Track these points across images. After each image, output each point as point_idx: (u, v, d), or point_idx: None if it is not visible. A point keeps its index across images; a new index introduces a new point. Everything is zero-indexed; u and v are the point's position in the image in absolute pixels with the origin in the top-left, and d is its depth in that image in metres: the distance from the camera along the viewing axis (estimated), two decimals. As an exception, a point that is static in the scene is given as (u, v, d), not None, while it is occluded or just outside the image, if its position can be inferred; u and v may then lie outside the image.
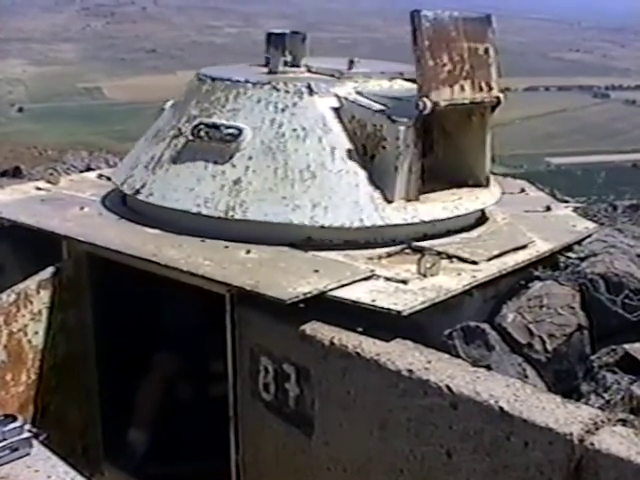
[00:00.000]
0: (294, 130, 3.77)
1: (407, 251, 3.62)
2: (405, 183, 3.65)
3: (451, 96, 3.66)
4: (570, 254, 3.83)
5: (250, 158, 3.76)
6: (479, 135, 3.96)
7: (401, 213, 3.64)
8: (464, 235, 3.84)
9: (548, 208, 4.48)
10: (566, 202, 5.10)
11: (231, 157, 3.78)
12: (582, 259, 3.77)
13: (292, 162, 3.71)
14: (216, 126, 3.85)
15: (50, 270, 3.81)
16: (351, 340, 2.93)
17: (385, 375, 2.80)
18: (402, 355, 2.83)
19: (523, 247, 3.74)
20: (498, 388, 2.61)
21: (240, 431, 3.48)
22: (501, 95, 3.86)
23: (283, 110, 3.82)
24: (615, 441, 2.35)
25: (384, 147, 3.66)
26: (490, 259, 3.55)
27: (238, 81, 3.99)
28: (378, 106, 3.73)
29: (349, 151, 3.74)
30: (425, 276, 3.30)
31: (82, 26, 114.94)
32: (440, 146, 4.03)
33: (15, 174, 6.29)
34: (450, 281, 3.29)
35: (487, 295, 3.50)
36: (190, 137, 3.89)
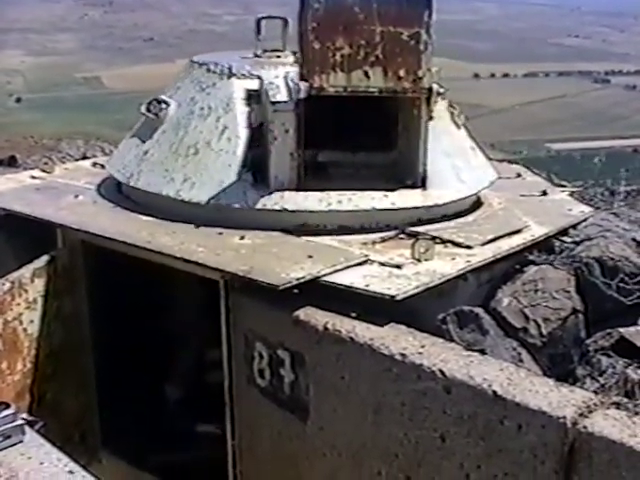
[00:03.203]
0: (202, 109, 3.90)
1: (402, 236, 3.60)
2: (283, 169, 3.57)
3: (347, 82, 3.46)
4: (565, 238, 3.82)
5: (164, 132, 3.96)
6: (415, 130, 3.69)
7: (264, 199, 3.59)
8: (459, 220, 3.82)
9: (544, 192, 4.47)
10: (563, 186, 5.09)
11: (155, 130, 3.99)
12: (577, 243, 3.75)
13: (187, 138, 3.85)
14: (158, 101, 4.04)
15: (45, 258, 3.80)
16: (345, 325, 2.92)
17: (379, 360, 2.79)
18: (396, 340, 2.82)
19: (518, 231, 3.72)
20: (491, 372, 2.60)
21: (236, 417, 3.49)
22: (435, 86, 3.56)
23: (203, 89, 3.96)
24: (608, 424, 2.34)
25: (268, 131, 3.60)
26: (485, 243, 3.53)
27: (194, 62, 4.15)
28: (280, 90, 3.58)
29: (238, 132, 3.75)
30: (419, 261, 3.29)
31: (80, 15, 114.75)
32: (403, 141, 3.82)
33: (10, 163, 6.29)
34: (444, 266, 3.28)
35: (482, 279, 3.49)
36: (143, 111, 4.08)
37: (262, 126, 3.69)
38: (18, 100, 77.70)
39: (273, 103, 3.50)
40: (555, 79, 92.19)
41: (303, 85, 3.41)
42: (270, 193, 3.58)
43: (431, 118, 3.62)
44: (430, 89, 3.55)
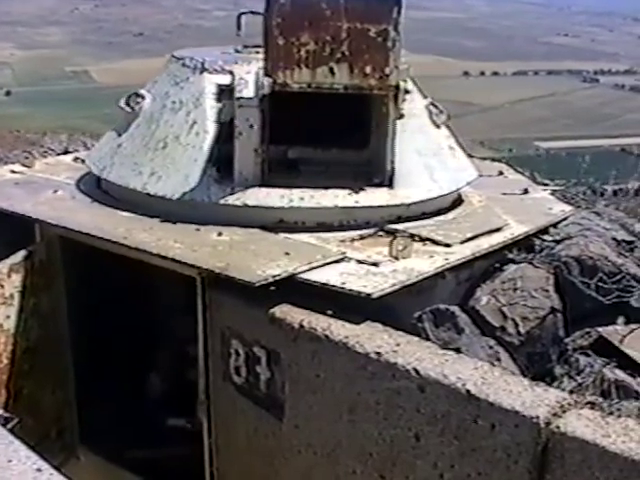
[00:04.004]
0: (174, 103, 3.89)
1: (380, 233, 3.59)
2: (247, 165, 3.56)
3: (312, 79, 3.43)
4: (545, 237, 3.81)
5: (138, 126, 3.96)
6: (383, 127, 3.65)
7: (226, 194, 3.58)
8: (438, 217, 3.81)
9: (525, 191, 4.46)
10: (545, 185, 5.09)
11: (131, 123, 4.00)
12: (557, 242, 3.75)
13: (158, 132, 3.85)
14: (137, 95, 4.05)
15: (22, 254, 3.77)
16: (320, 323, 2.91)
17: (354, 358, 2.78)
18: (371, 338, 2.80)
19: (498, 230, 3.71)
20: (466, 371, 2.59)
21: (212, 415, 3.47)
22: (403, 84, 3.50)
23: (177, 83, 3.96)
24: (581, 424, 2.34)
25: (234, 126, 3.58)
26: (464, 242, 3.52)
27: (174, 57, 4.14)
28: (249, 85, 3.55)
29: (206, 127, 3.74)
30: (397, 259, 3.27)
31: (70, 9, 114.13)
32: (374, 139, 3.77)
33: (-9, 157, 6.23)
34: (422, 264, 3.26)
35: (460, 278, 3.48)
36: (121, 105, 4.07)
37: (232, 121, 3.65)
38: (7, 93, 77.31)
39: (238, 98, 3.49)
40: (544, 78, 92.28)
41: (267, 81, 3.39)
42: (233, 189, 3.57)
43: (401, 116, 3.58)
44: (397, 86, 3.49)
